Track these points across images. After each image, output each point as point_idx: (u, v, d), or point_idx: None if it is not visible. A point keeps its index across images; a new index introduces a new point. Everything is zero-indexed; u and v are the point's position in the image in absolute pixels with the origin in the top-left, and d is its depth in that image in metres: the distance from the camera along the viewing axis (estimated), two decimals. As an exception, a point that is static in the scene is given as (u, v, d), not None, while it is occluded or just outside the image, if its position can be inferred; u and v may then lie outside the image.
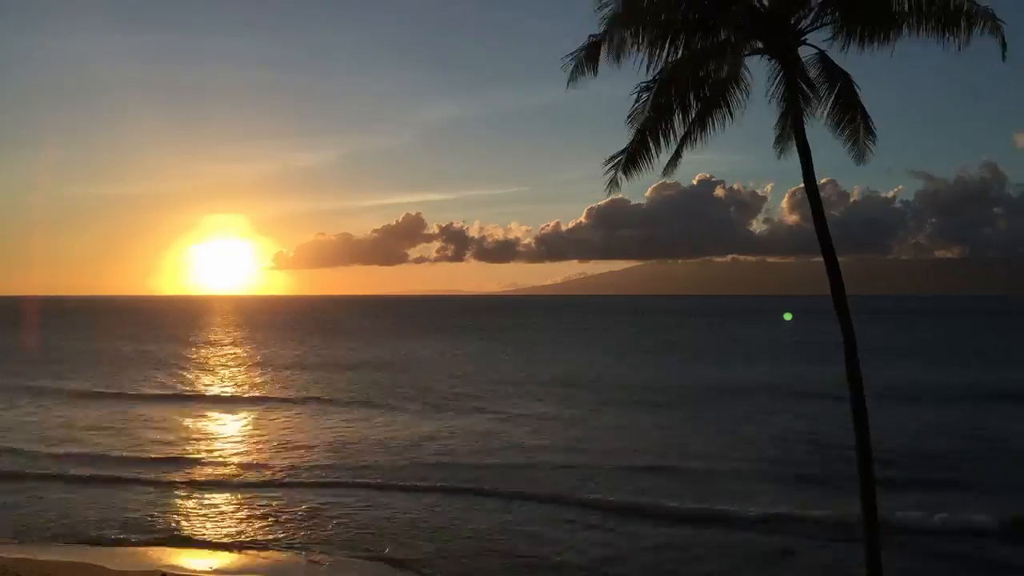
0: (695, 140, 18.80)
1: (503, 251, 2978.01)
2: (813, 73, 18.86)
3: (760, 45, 18.50)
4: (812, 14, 18.01)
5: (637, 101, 17.89)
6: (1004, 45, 16.78)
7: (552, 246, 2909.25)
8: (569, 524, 30.72)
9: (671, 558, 27.20)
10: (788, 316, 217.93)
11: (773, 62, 18.77)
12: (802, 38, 18.33)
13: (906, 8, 17.28)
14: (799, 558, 27.12)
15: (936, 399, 62.11)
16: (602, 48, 17.69)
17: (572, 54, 18.03)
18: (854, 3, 17.28)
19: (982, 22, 16.66)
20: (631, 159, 18.34)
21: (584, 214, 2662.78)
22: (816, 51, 18.48)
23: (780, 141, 20.18)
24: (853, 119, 18.69)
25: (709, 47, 18.10)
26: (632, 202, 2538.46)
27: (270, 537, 29.43)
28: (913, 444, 43.87)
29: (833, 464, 37.93)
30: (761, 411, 57.21)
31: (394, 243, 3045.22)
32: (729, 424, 52.67)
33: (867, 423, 18.20)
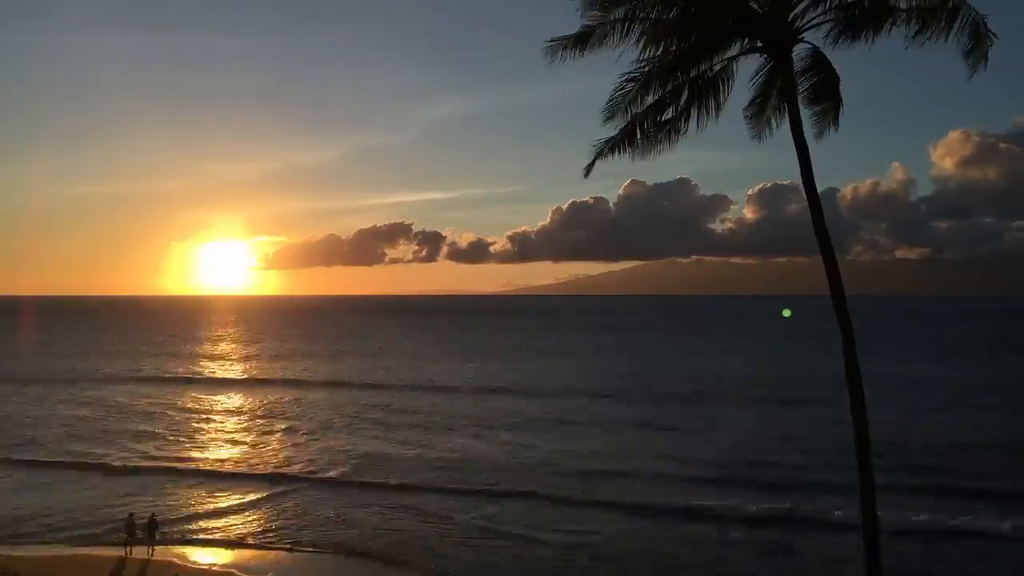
0: (680, 134, 17.09)
1: (477, 252, 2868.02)
2: (801, 65, 17.13)
3: (757, 44, 16.74)
4: (807, 10, 16.26)
5: (620, 89, 16.22)
6: (985, 58, 15.16)
7: (524, 247, 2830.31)
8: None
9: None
10: (787, 313, 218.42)
11: (764, 58, 17.02)
12: (799, 36, 16.58)
13: (902, 5, 15.63)
14: (799, 558, 25.44)
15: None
16: (593, 36, 15.99)
17: (560, 38, 16.29)
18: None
19: (968, 27, 15.06)
20: (614, 148, 16.73)
21: (549, 217, 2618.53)
22: (811, 47, 16.69)
23: (755, 120, 18.04)
24: (827, 102, 16.98)
25: (702, 42, 16.40)
26: (603, 204, 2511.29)
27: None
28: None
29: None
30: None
31: (375, 244, 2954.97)
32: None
33: (866, 424, 16.34)
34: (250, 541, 27.80)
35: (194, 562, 25.36)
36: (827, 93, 16.36)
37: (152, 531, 26.10)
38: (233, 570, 24.65)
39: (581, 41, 16.04)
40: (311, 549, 26.90)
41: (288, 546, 27.22)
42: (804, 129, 16.60)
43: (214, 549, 27.04)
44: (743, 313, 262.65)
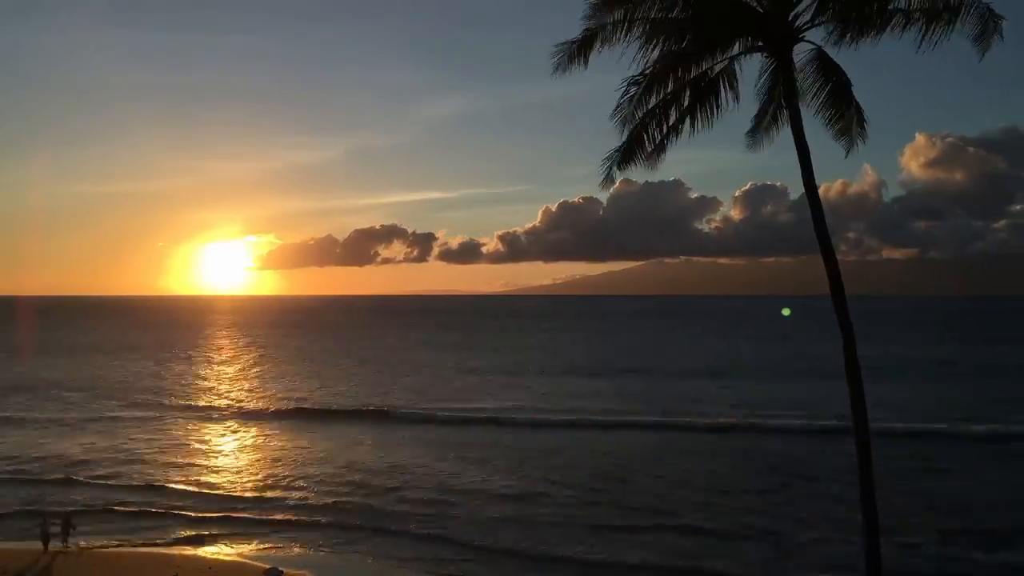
0: (681, 135, 16.68)
1: (468, 253, 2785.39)
2: (807, 70, 16.67)
3: (758, 43, 16.31)
4: (810, 10, 15.82)
5: (624, 95, 15.81)
6: (1000, 36, 14.75)
7: (515, 247, 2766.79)
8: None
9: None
10: (786, 312, 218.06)
11: (766, 59, 16.59)
12: (800, 36, 16.15)
13: (903, 4, 15.22)
14: (799, 558, 24.91)
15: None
16: (596, 40, 15.54)
17: (565, 44, 15.88)
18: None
19: (973, 16, 14.67)
20: (626, 156, 16.31)
21: (539, 217, 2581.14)
22: (813, 47, 16.25)
23: (755, 132, 17.77)
24: (845, 113, 16.49)
25: (703, 43, 15.99)
26: (594, 204, 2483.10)
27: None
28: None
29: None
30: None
31: (369, 245, 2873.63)
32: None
33: (867, 424, 15.89)
34: (251, 538, 27.37)
35: (194, 560, 24.83)
36: (842, 103, 15.74)
37: (67, 530, 25.66)
38: (235, 567, 24.20)
39: (584, 48, 15.61)
40: (317, 546, 26.48)
41: (293, 542, 26.82)
42: (807, 133, 16.21)
43: (214, 547, 26.54)
44: (770, 314, 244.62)
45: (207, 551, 25.92)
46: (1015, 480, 34.60)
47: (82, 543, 25.70)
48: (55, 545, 25.17)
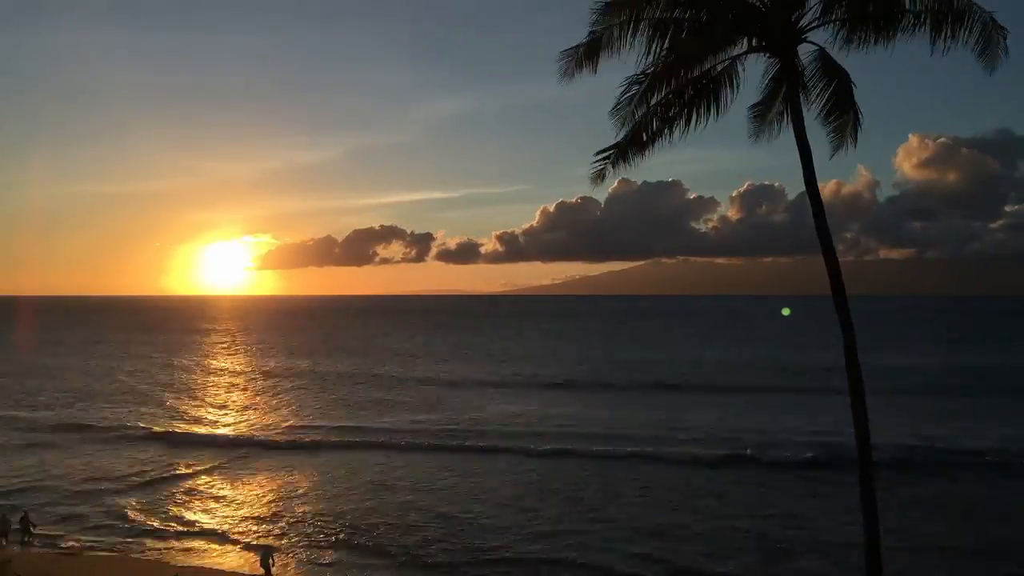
0: (676, 131, 16.66)
1: (466, 253, 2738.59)
2: (810, 70, 16.69)
3: (761, 43, 16.30)
4: (814, 11, 15.83)
5: (625, 94, 15.80)
6: (1006, 50, 14.82)
7: (513, 247, 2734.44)
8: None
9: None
10: (786, 311, 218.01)
11: (769, 59, 16.60)
12: (802, 36, 16.16)
13: (909, 7, 15.24)
14: (800, 557, 24.87)
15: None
16: (602, 44, 15.54)
17: (571, 49, 15.86)
18: (862, 1, 15.17)
19: (977, 27, 14.69)
20: (621, 154, 16.27)
21: (537, 218, 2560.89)
22: (816, 48, 16.26)
23: (758, 120, 17.68)
24: (845, 114, 16.48)
25: (706, 44, 15.98)
26: (592, 204, 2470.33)
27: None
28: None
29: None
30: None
31: (367, 245, 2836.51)
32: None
33: (867, 423, 15.88)
34: (248, 539, 27.34)
35: (193, 558, 24.77)
36: (843, 104, 15.67)
37: (26, 528, 25.59)
38: (233, 568, 24.17)
39: (591, 53, 15.58)
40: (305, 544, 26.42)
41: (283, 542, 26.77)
42: (807, 134, 16.21)
43: (213, 546, 26.54)
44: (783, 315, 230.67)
45: (206, 553, 25.89)
46: (1016, 489, 34.49)
47: (65, 544, 25.60)
48: (12, 545, 25.04)
